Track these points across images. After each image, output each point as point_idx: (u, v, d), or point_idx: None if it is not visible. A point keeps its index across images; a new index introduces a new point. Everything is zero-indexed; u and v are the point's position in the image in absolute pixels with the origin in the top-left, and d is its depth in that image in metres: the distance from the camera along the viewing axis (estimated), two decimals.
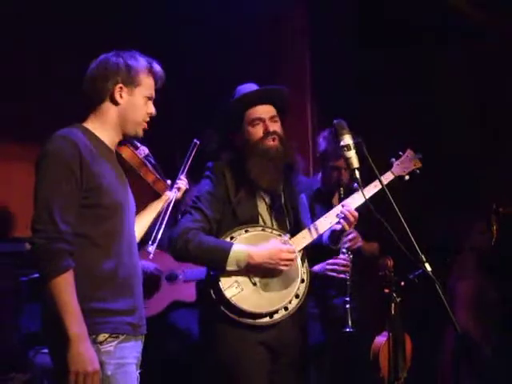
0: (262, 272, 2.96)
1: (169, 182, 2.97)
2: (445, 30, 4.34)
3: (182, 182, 3.03)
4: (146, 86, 2.63)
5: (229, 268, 2.93)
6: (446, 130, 4.37)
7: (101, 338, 2.42)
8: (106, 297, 2.46)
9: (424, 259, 2.69)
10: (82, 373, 2.32)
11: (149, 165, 2.91)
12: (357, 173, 2.89)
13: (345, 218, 3.02)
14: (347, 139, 2.92)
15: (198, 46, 4.48)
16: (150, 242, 2.88)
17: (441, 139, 4.35)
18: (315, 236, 3.05)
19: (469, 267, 4.14)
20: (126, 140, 2.74)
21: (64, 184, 2.41)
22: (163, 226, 2.90)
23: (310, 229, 3.05)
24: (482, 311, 4.01)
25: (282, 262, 2.94)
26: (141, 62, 2.64)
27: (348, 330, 3.31)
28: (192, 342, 3.93)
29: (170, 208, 2.94)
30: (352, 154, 2.90)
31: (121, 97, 2.58)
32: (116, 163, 2.69)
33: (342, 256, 3.42)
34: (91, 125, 2.60)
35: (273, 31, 4.53)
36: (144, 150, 2.89)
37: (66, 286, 2.35)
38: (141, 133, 2.67)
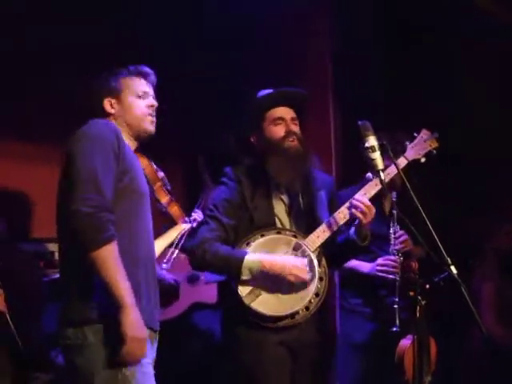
0: (273, 278, 2.95)
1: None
2: (470, 31, 4.30)
3: (198, 214, 3.14)
4: (131, 86, 2.73)
5: (243, 277, 2.94)
6: (473, 130, 4.32)
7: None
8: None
9: (449, 261, 2.67)
10: (136, 339, 2.33)
11: (164, 186, 2.94)
12: (382, 174, 2.88)
13: (357, 208, 2.97)
14: (372, 141, 2.91)
15: (219, 48, 4.47)
16: (165, 261, 2.93)
17: (467, 140, 4.31)
18: (330, 233, 3.03)
19: (491, 268, 4.10)
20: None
21: (106, 162, 2.47)
22: (178, 248, 3.05)
23: (324, 226, 3.03)
24: (505, 312, 3.98)
25: (291, 275, 2.94)
26: (119, 70, 2.76)
27: (395, 329, 3.31)
28: (214, 343, 3.93)
29: (184, 237, 3.05)
30: (377, 156, 2.89)
31: (112, 107, 2.70)
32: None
33: (392, 257, 3.48)
34: None
35: (294, 32, 4.51)
36: (160, 173, 2.92)
37: (114, 255, 2.36)
38: (149, 127, 2.72)
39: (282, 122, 3.13)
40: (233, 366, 3.05)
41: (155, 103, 2.74)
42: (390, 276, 3.47)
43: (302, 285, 2.96)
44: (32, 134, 4.11)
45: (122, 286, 2.34)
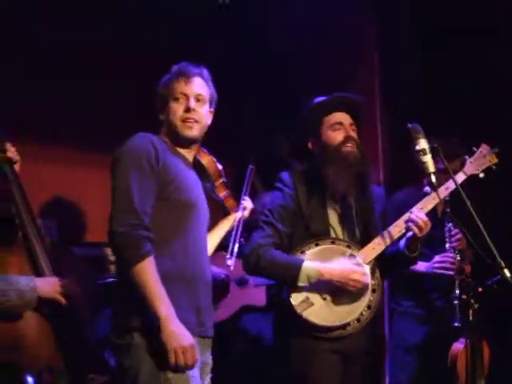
0: (332, 287, 2.96)
1: None
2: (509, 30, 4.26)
3: (247, 202, 3.15)
4: (172, 90, 2.72)
5: (300, 284, 2.94)
6: None
7: None
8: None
9: (503, 264, 2.66)
10: (179, 348, 2.41)
11: (223, 182, 3.00)
12: (433, 177, 2.89)
13: (414, 223, 2.96)
14: (423, 143, 2.92)
15: (269, 54, 4.51)
16: (228, 256, 2.98)
17: None
18: (385, 246, 3.02)
19: None
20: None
21: (142, 176, 2.53)
22: (237, 240, 3.04)
23: (379, 239, 3.03)
24: None
25: (351, 283, 2.93)
26: (167, 74, 2.78)
27: (456, 324, 3.28)
28: (263, 346, 3.95)
29: (242, 224, 3.08)
30: (428, 159, 2.90)
31: (161, 114, 2.74)
32: (191, 168, 2.77)
33: (449, 254, 3.50)
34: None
35: (340, 36, 4.52)
36: (219, 166, 2.97)
37: (150, 270, 2.44)
38: (185, 132, 2.70)
39: (340, 127, 3.12)
40: (285, 371, 3.06)
41: (191, 105, 2.68)
42: (449, 272, 3.49)
43: (356, 296, 2.96)
44: (85, 139, 4.17)
45: (158, 300, 2.43)
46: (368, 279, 2.95)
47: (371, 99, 4.45)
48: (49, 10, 3.98)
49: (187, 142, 2.74)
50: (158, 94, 2.77)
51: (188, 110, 2.69)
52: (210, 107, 2.79)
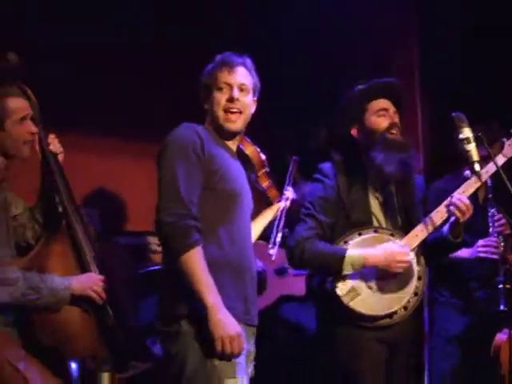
0: (377, 275, 2.96)
1: None
2: None
3: (289, 192, 3.17)
4: (215, 79, 2.71)
5: (345, 272, 2.94)
6: None
7: None
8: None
9: None
10: (226, 337, 2.43)
11: (266, 171, 3.01)
12: (477, 166, 2.90)
13: (455, 207, 2.95)
14: (467, 132, 2.92)
15: (309, 47, 4.50)
16: (271, 246, 2.99)
17: None
18: (428, 232, 3.01)
19: None
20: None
21: (188, 165, 2.56)
22: (280, 230, 3.07)
23: (422, 226, 3.01)
24: None
25: (397, 264, 2.93)
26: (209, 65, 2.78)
27: (502, 308, 3.27)
28: (302, 336, 3.96)
29: (284, 214, 3.10)
30: (472, 147, 2.90)
31: (205, 103, 2.74)
32: (235, 158, 2.79)
33: (492, 238, 3.49)
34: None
35: (382, 30, 4.50)
36: (262, 156, 2.99)
37: (198, 259, 2.47)
38: (225, 124, 2.70)
39: (385, 114, 3.12)
40: (329, 360, 3.07)
41: (235, 95, 2.69)
42: (493, 256, 3.47)
43: (403, 283, 2.96)
44: (132, 131, 4.21)
45: (205, 289, 2.45)
46: (410, 257, 2.95)
47: (411, 87, 4.42)
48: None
49: (230, 135, 2.76)
50: (201, 83, 2.77)
51: (231, 99, 2.69)
52: (253, 96, 2.78)
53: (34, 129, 2.93)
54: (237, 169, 2.75)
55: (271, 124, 4.37)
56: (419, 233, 3.01)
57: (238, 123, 2.71)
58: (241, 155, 2.86)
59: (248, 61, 2.78)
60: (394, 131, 3.10)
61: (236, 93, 2.69)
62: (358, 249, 2.97)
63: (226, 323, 2.44)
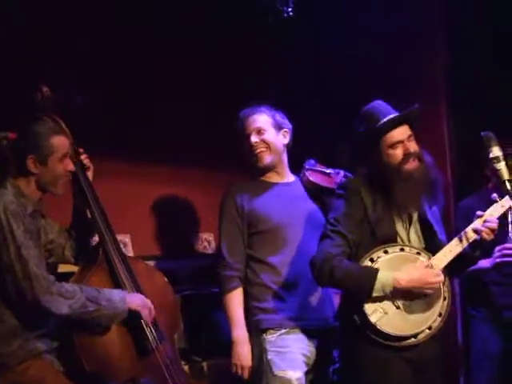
0: (406, 296, 2.96)
1: None
2: None
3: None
4: (241, 133, 3.50)
5: (375, 294, 2.93)
6: None
7: (265, 330, 3.32)
8: (265, 299, 3.35)
9: None
10: (239, 365, 3.32)
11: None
12: (508, 184, 2.93)
13: (483, 231, 2.96)
14: (496, 151, 2.96)
15: (336, 60, 4.57)
16: None
17: None
18: (455, 254, 3.01)
19: None
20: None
21: (229, 224, 3.44)
22: None
23: (450, 246, 3.02)
24: None
25: (429, 286, 2.94)
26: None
27: None
28: None
29: None
30: (502, 166, 2.95)
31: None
32: (274, 188, 3.48)
33: (507, 245, 3.45)
34: None
35: (408, 44, 4.52)
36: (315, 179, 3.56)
37: (232, 301, 3.38)
38: (258, 163, 3.48)
39: (399, 145, 3.05)
40: (355, 380, 3.07)
41: (252, 141, 3.43)
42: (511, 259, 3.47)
43: (429, 304, 2.98)
44: (158, 156, 4.24)
45: (233, 324, 3.34)
46: (442, 278, 2.96)
47: (437, 106, 4.42)
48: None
49: (264, 170, 3.48)
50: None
51: (251, 145, 3.45)
52: (278, 130, 3.46)
53: (72, 167, 3.00)
54: (273, 201, 3.43)
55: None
56: (448, 253, 3.00)
57: (265, 158, 3.44)
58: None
59: (262, 108, 3.48)
60: (410, 161, 3.05)
61: (254, 138, 3.44)
62: (387, 269, 2.96)
63: (243, 355, 3.32)
